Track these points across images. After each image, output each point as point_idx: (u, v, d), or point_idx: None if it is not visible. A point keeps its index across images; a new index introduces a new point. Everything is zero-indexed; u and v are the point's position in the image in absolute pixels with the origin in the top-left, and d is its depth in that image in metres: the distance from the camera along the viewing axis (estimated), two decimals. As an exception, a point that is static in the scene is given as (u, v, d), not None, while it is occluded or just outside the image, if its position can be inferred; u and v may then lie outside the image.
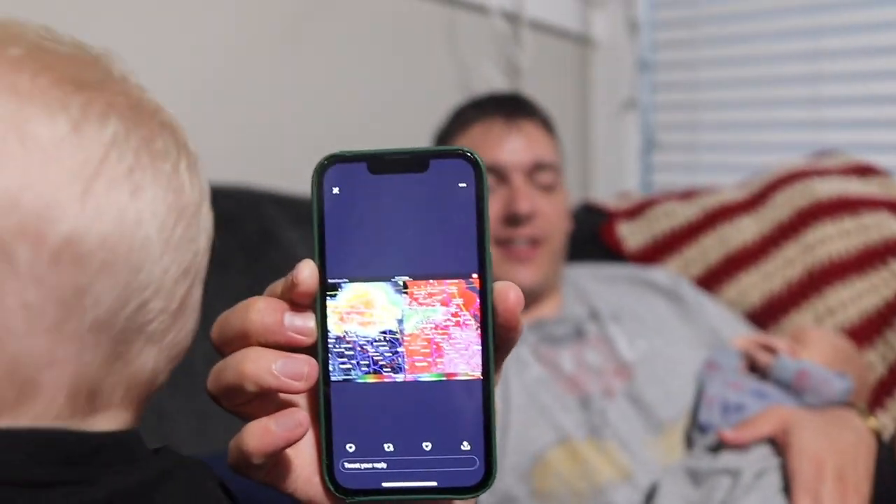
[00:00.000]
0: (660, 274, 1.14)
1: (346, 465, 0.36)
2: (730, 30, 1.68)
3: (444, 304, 0.35)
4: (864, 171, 1.29)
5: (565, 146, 1.15)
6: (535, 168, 1.00)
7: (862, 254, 1.15)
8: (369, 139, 1.29)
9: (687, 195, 1.33)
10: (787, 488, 0.76)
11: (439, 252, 0.35)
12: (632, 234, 1.29)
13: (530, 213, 0.97)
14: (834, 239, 1.17)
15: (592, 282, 1.10)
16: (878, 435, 0.82)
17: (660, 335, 1.01)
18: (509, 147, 1.00)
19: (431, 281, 0.35)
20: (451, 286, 0.35)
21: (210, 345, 0.78)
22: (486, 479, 0.36)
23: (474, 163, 0.35)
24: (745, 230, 1.23)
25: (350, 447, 0.36)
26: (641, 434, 0.88)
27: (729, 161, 1.70)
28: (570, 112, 1.79)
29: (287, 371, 0.34)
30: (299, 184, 1.05)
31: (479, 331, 0.35)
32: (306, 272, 0.35)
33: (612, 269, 1.16)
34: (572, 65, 1.79)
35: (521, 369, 0.91)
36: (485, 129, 1.01)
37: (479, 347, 0.35)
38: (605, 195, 1.54)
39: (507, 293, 0.35)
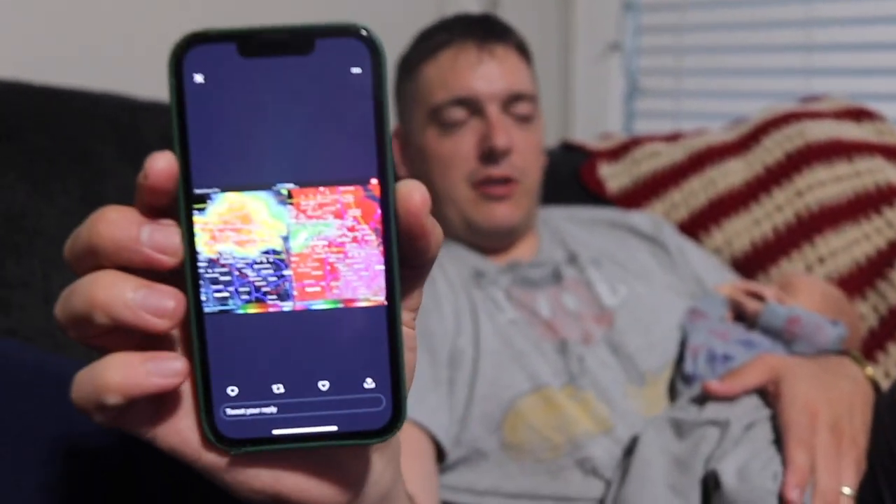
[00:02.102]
0: (641, 218, 1.07)
1: (229, 411, 0.30)
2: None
3: (339, 216, 0.29)
4: (859, 114, 1.23)
5: (546, 88, 1.07)
6: (512, 98, 0.92)
7: (855, 201, 1.09)
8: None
9: (673, 137, 1.26)
10: (779, 440, 0.70)
11: (330, 154, 0.29)
12: (613, 176, 1.22)
13: (507, 149, 0.89)
14: (826, 184, 1.10)
15: (570, 225, 1.03)
16: (875, 384, 0.76)
17: (642, 281, 0.94)
18: (483, 75, 0.91)
19: (322, 189, 0.29)
20: (346, 195, 0.29)
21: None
22: (395, 420, 0.30)
23: (370, 42, 0.29)
24: (732, 174, 1.16)
25: (232, 390, 0.29)
26: (622, 384, 0.81)
27: (715, 109, 1.63)
28: (550, 52, 1.70)
29: (148, 304, 0.27)
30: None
31: (381, 247, 0.29)
32: (161, 163, 0.28)
33: (592, 212, 1.09)
34: (554, 1, 1.70)
35: (493, 312, 0.84)
36: (455, 55, 0.92)
37: (383, 267, 0.29)
38: (583, 137, 1.47)
39: (411, 194, 0.29)
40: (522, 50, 0.97)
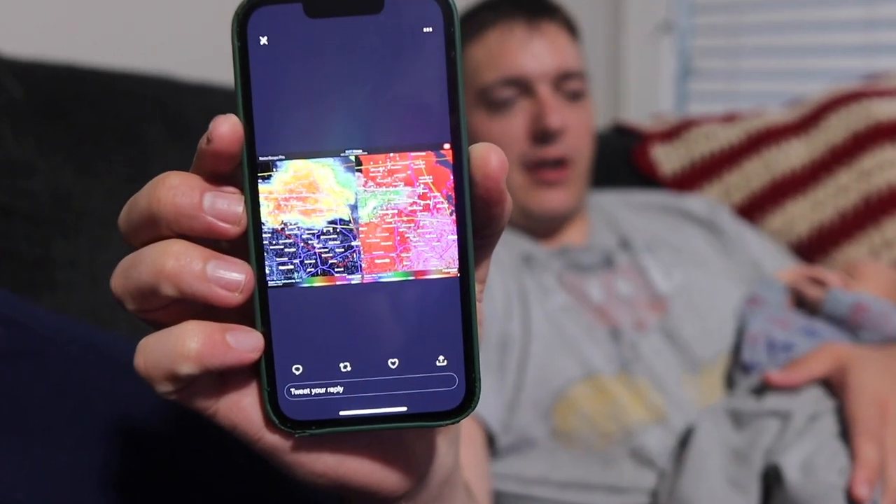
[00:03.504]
0: (696, 202, 1.03)
1: (293, 391, 0.28)
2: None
3: (409, 183, 0.28)
4: (929, 92, 1.17)
5: (593, 70, 1.04)
6: (563, 76, 0.89)
7: (924, 182, 1.04)
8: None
9: (729, 118, 1.21)
10: (846, 433, 0.66)
11: (400, 118, 0.28)
12: (667, 158, 1.18)
13: (561, 129, 0.87)
14: (895, 164, 1.05)
15: (623, 209, 1.00)
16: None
17: (697, 267, 0.91)
18: (533, 53, 0.89)
19: (392, 155, 0.28)
20: (418, 160, 0.28)
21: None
22: (468, 400, 0.28)
23: (443, 1, 0.27)
24: (793, 155, 1.11)
25: (297, 369, 0.28)
26: (677, 372, 0.78)
27: (772, 90, 1.57)
28: (600, 32, 1.66)
29: (218, 276, 0.26)
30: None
31: (453, 216, 0.28)
32: (225, 127, 0.26)
33: (645, 196, 1.05)
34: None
35: (544, 296, 0.82)
36: (503, 34, 0.90)
37: (455, 237, 0.28)
38: (635, 118, 1.43)
39: (488, 157, 0.27)
40: (570, 27, 0.94)
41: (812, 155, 1.10)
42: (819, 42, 1.54)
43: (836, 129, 1.11)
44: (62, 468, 0.40)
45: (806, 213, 1.07)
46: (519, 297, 0.82)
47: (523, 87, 0.88)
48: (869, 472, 0.61)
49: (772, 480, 0.66)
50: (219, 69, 0.86)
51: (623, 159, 1.18)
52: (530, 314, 0.80)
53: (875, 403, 0.66)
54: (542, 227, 0.91)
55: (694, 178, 1.15)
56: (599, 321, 0.81)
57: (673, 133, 1.20)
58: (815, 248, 1.05)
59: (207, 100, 0.77)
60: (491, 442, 0.75)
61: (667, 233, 0.96)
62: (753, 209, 1.10)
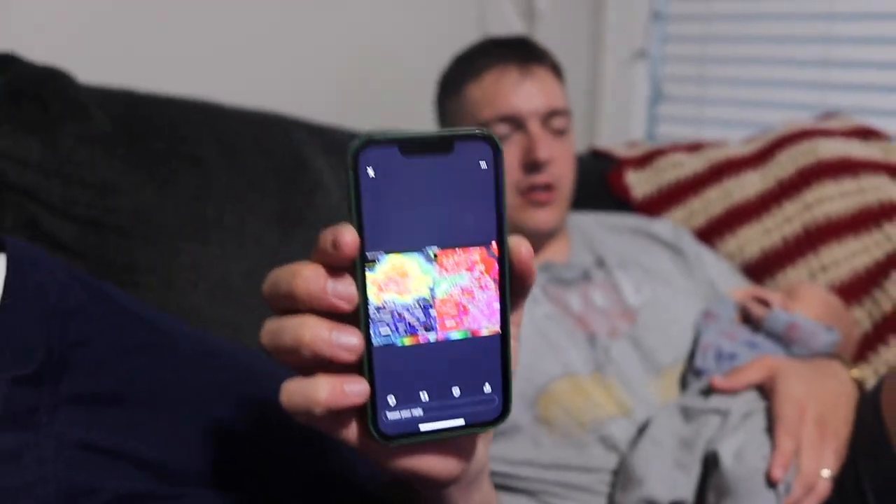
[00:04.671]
0: (663, 226, 1.18)
1: (388, 415, 0.40)
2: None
3: (469, 269, 0.40)
4: (867, 134, 1.33)
5: (575, 91, 1.17)
6: (550, 114, 1.03)
7: (858, 215, 1.20)
8: (385, 71, 1.31)
9: (695, 147, 1.36)
10: (771, 429, 0.82)
11: (464, 224, 0.40)
12: (639, 183, 1.33)
13: (548, 160, 1.00)
14: (833, 199, 1.21)
15: (599, 230, 1.14)
16: (860, 384, 0.88)
17: (662, 285, 1.05)
18: (525, 94, 1.02)
19: (458, 250, 0.40)
20: (475, 254, 0.40)
21: (244, 264, 0.83)
22: (504, 412, 0.41)
23: (494, 145, 0.39)
24: (748, 185, 1.27)
25: (391, 400, 0.40)
26: (642, 374, 0.93)
27: (734, 117, 1.72)
28: (581, 58, 1.81)
29: (340, 342, 0.38)
30: (323, 114, 1.08)
31: (497, 292, 0.40)
32: (348, 237, 0.37)
33: (618, 219, 1.20)
34: (587, 11, 1.80)
35: (531, 306, 0.96)
36: (498, 77, 1.03)
37: (499, 305, 0.40)
38: (610, 143, 1.57)
39: (520, 247, 0.41)
40: (557, 70, 1.08)
41: (764, 186, 1.26)
42: (779, 76, 1.68)
43: (786, 164, 1.26)
44: (183, 435, 0.53)
45: (756, 238, 1.23)
46: (509, 305, 0.96)
47: (516, 123, 1.01)
48: (784, 459, 0.77)
49: (710, 464, 0.82)
50: (258, 95, 0.99)
51: (599, 182, 1.32)
52: (520, 321, 0.94)
53: (796, 406, 0.82)
54: (532, 244, 1.05)
55: (661, 202, 1.30)
56: (578, 328, 0.95)
57: (644, 160, 1.35)
58: (762, 269, 1.21)
59: (249, 124, 0.90)
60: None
61: (637, 253, 1.10)
62: (712, 233, 1.25)
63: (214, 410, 0.55)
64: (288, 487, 0.56)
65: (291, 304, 0.39)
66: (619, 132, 1.78)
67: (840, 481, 0.79)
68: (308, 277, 0.38)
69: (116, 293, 0.53)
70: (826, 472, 0.79)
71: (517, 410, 0.90)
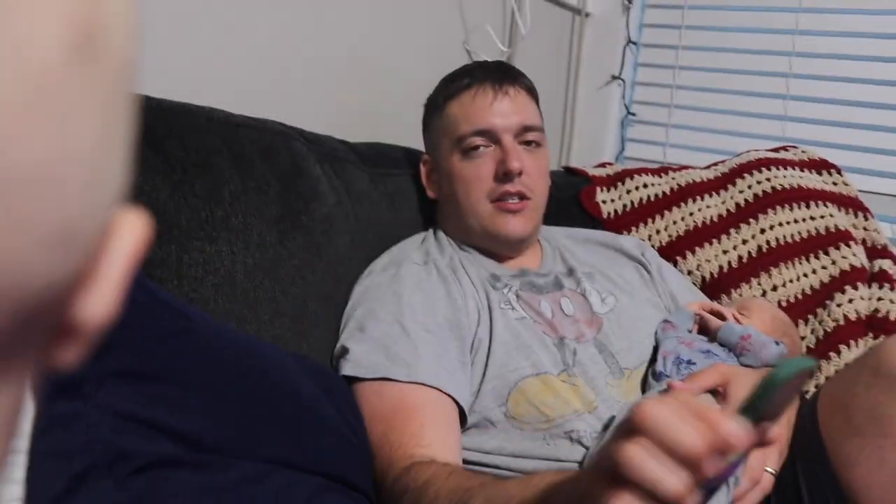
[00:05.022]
0: (629, 241, 1.27)
1: None
2: (714, 19, 1.80)
3: None
4: (821, 165, 1.44)
5: (552, 112, 1.26)
6: (523, 129, 1.11)
7: (807, 240, 1.31)
8: (377, 87, 1.39)
9: (661, 170, 1.46)
10: (723, 429, 0.90)
11: None
12: (609, 201, 1.42)
13: (520, 170, 1.08)
14: (785, 225, 1.32)
15: (570, 243, 1.23)
16: (801, 393, 0.98)
17: (627, 295, 1.14)
18: (499, 111, 1.10)
19: None
20: None
21: (248, 261, 0.90)
22: None
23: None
24: (708, 208, 1.37)
25: None
26: (606, 376, 1.02)
27: (700, 142, 1.83)
28: (559, 80, 1.90)
29: None
30: (320, 125, 1.15)
31: None
32: None
33: (587, 233, 1.29)
34: (566, 36, 1.89)
35: (506, 309, 1.04)
36: (476, 95, 1.11)
37: None
38: (584, 162, 1.66)
39: None
40: (530, 90, 1.17)
41: (723, 210, 1.36)
42: (743, 106, 1.80)
43: (744, 191, 1.37)
44: (208, 412, 0.60)
45: (714, 257, 1.33)
46: (487, 309, 1.04)
47: (491, 137, 1.10)
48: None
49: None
50: (265, 106, 1.06)
51: (572, 198, 1.41)
52: (494, 323, 1.02)
53: (745, 409, 0.91)
54: (505, 251, 1.13)
55: (629, 220, 1.39)
56: (549, 332, 1.04)
57: (615, 180, 1.45)
58: (718, 286, 1.31)
59: (257, 134, 0.97)
60: (462, 422, 0.97)
61: (604, 264, 1.19)
62: (674, 250, 1.35)
63: (235, 392, 0.62)
64: (293, 457, 0.63)
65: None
66: (592, 152, 1.87)
67: (780, 478, 0.89)
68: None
69: (159, 288, 0.60)
70: (770, 469, 0.88)
71: (490, 405, 0.97)
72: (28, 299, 0.16)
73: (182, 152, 0.85)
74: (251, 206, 0.90)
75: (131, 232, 0.20)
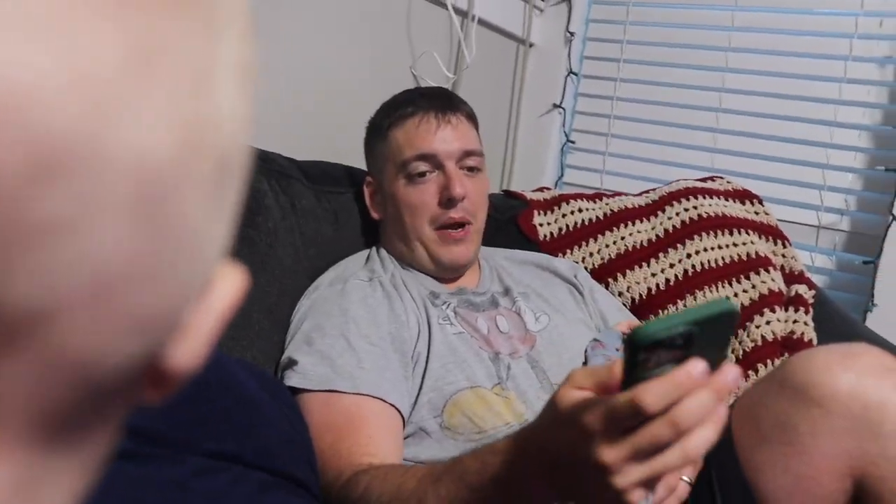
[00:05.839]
0: (562, 263, 1.33)
1: None
2: (653, 53, 1.90)
3: None
4: (744, 195, 1.53)
5: (494, 138, 1.31)
6: (464, 154, 1.16)
7: (730, 265, 1.39)
8: (326, 106, 1.42)
9: (596, 196, 1.53)
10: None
11: None
12: (545, 224, 1.48)
13: (462, 196, 1.13)
14: (709, 251, 1.39)
15: (507, 263, 1.28)
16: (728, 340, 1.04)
17: (559, 314, 1.20)
18: (441, 138, 1.15)
19: None
20: None
21: (268, 298, 0.93)
22: None
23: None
24: (639, 233, 1.44)
25: None
26: (537, 390, 1.07)
27: (634, 170, 1.91)
28: (503, 106, 1.97)
29: None
30: (268, 142, 1.18)
31: None
32: None
33: (524, 255, 1.34)
34: (510, 64, 1.96)
35: (444, 325, 1.08)
36: (419, 122, 1.16)
37: None
38: (523, 185, 1.73)
39: None
40: (471, 117, 1.22)
41: (652, 235, 1.43)
42: (675, 138, 1.89)
43: (673, 218, 1.44)
44: (169, 413, 0.62)
45: (643, 280, 1.39)
46: (426, 325, 1.08)
47: (435, 162, 1.14)
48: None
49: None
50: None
51: (509, 221, 1.47)
52: (433, 338, 1.06)
53: (664, 421, 0.96)
54: (448, 274, 1.18)
55: (563, 243, 1.45)
56: (484, 347, 1.08)
57: (551, 204, 1.51)
58: (646, 307, 1.37)
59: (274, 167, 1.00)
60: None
61: (539, 285, 1.24)
62: (605, 272, 1.41)
63: (199, 398, 0.64)
64: (238, 452, 0.66)
65: None
66: (533, 177, 1.94)
67: (695, 485, 0.94)
68: None
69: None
70: (686, 478, 0.94)
71: (425, 416, 1.01)
72: (103, 379, 0.17)
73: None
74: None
75: (229, 287, 0.21)
